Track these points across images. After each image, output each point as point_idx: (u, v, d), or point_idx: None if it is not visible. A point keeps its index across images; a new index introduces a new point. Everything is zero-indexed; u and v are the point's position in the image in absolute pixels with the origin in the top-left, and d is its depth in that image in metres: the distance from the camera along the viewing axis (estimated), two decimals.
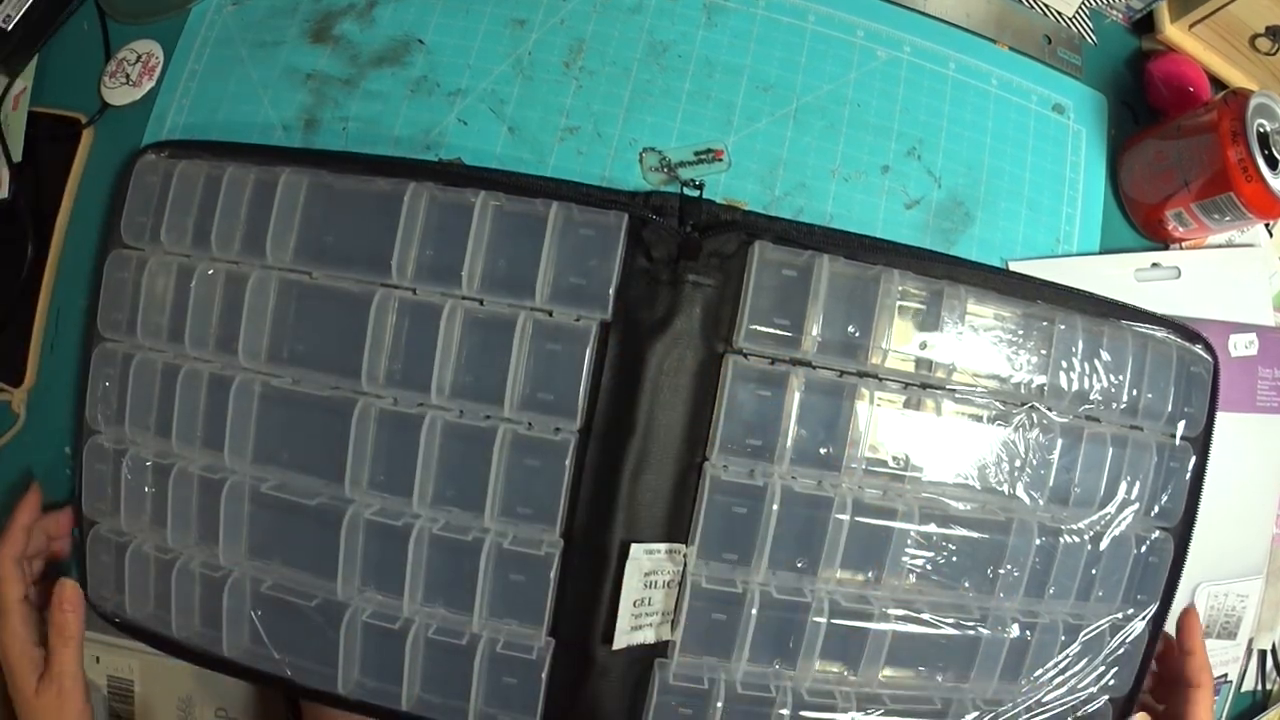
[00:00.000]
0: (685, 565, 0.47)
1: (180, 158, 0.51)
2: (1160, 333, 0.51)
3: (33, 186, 0.58)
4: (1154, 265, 0.56)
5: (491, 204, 0.47)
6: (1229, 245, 0.58)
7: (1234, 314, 0.57)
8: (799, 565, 0.47)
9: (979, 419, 0.48)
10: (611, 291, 0.46)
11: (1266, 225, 0.59)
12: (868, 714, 0.48)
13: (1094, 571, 0.50)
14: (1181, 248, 0.57)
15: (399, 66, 0.54)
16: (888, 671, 0.48)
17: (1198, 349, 0.52)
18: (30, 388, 0.56)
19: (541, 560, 0.46)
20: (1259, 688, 0.59)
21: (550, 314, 0.47)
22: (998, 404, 0.48)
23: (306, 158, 0.50)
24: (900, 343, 0.47)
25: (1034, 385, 0.48)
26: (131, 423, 0.51)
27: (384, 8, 0.55)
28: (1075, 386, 0.49)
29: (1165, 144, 0.53)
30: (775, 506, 0.46)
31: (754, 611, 0.46)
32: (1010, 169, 0.55)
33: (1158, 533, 0.51)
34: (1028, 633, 0.49)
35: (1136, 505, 0.50)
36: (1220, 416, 0.52)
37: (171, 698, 0.66)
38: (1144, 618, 0.51)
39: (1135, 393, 0.50)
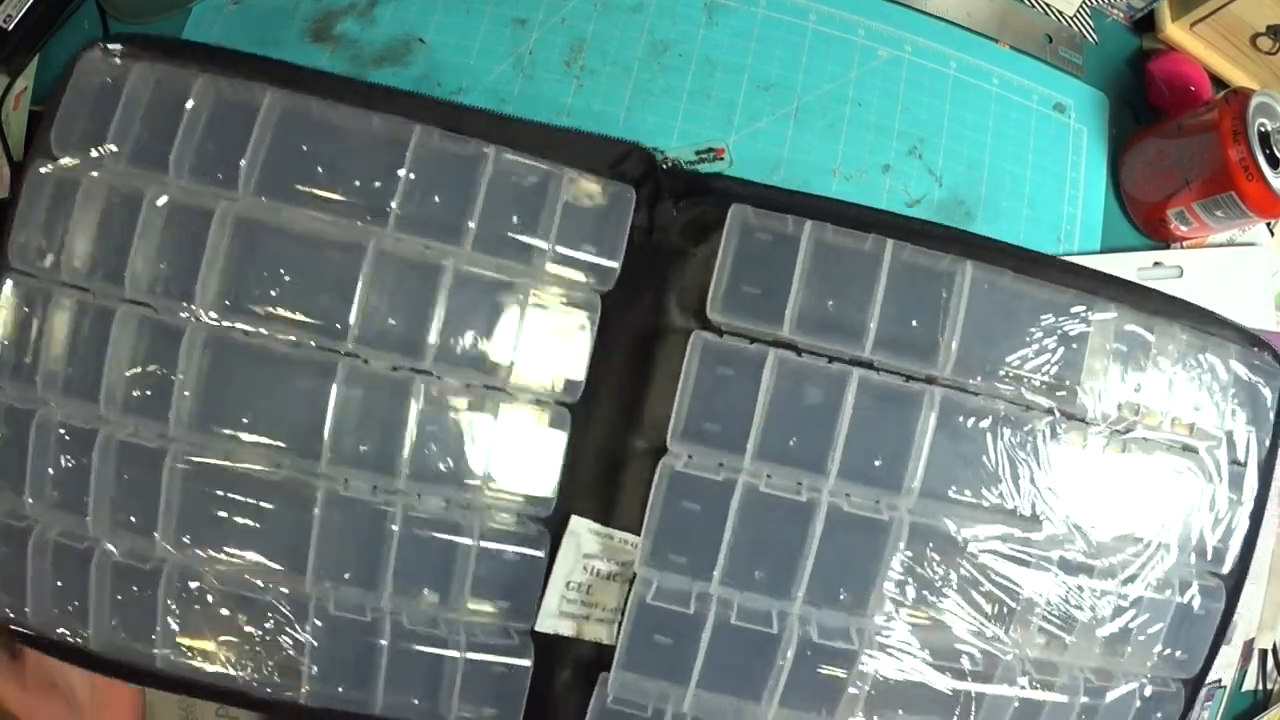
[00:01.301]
0: (635, 562, 0.43)
1: (136, 59, 0.43)
2: (1216, 335, 0.44)
3: None
4: (1156, 264, 0.55)
5: (496, 157, 0.43)
6: (1230, 244, 0.58)
7: (1236, 313, 0.57)
8: (759, 578, 0.42)
9: (990, 423, 0.42)
10: (617, 263, 0.43)
11: (1268, 224, 0.59)
12: None
13: (1126, 621, 0.43)
14: (1183, 247, 0.57)
15: (400, 65, 0.54)
16: None
17: (1263, 357, 0.44)
18: None
19: (529, 539, 0.44)
20: (1259, 687, 0.59)
21: (551, 281, 0.44)
22: (1014, 407, 0.42)
23: (291, 76, 0.44)
24: (898, 327, 0.42)
25: (1058, 388, 0.42)
26: (44, 379, 0.42)
27: (385, 7, 0.55)
28: (1109, 392, 0.42)
29: (1166, 143, 0.53)
30: (737, 507, 0.41)
31: (713, 634, 0.41)
32: (1011, 168, 0.55)
33: (1207, 579, 0.44)
34: (1040, 691, 0.42)
35: (1182, 543, 0.43)
36: None
37: (172, 697, 0.65)
38: (1181, 680, 0.44)
39: (1187, 402, 0.43)
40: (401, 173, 0.42)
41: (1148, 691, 0.44)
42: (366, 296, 0.42)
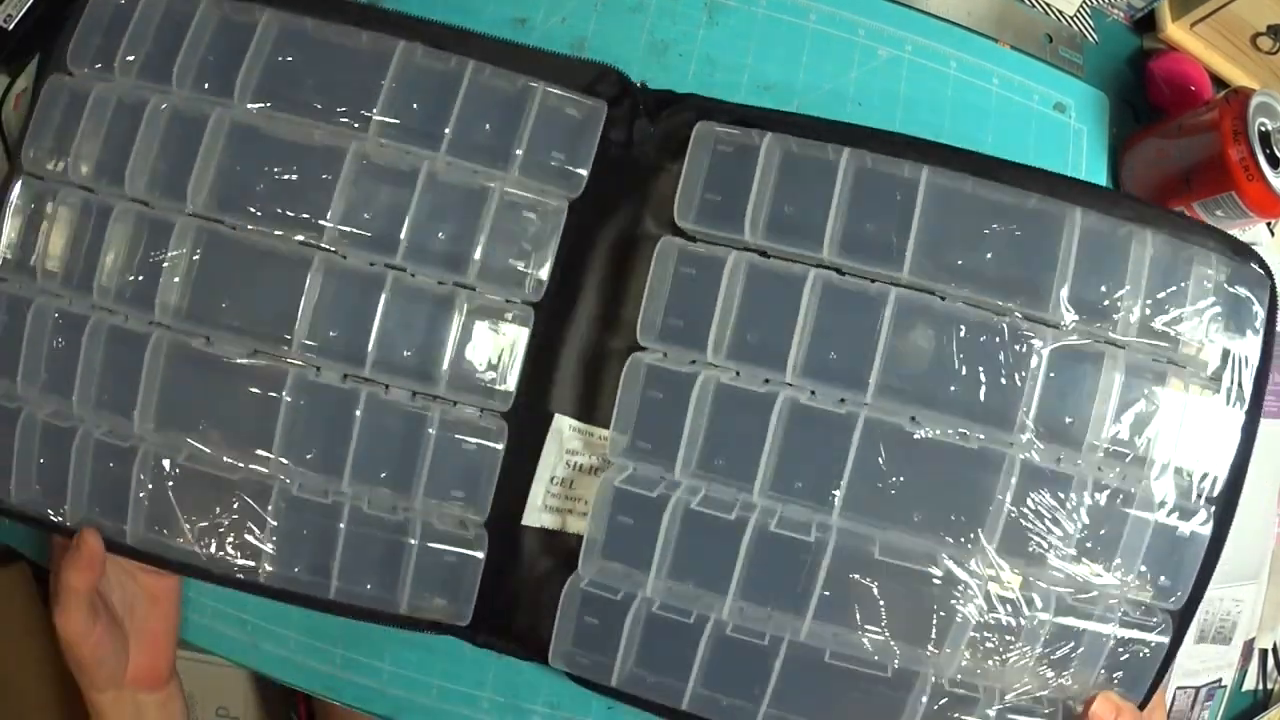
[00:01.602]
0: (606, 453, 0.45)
1: None
2: (1198, 243, 0.41)
3: None
4: None
5: (478, 75, 0.46)
6: None
7: None
8: (720, 465, 0.43)
9: (952, 323, 0.42)
10: (586, 171, 0.46)
11: (1268, 224, 0.59)
12: (801, 668, 0.42)
13: (1101, 535, 0.41)
14: None
15: None
16: (829, 624, 0.42)
17: (1251, 266, 0.42)
18: None
19: (489, 432, 0.46)
20: (1260, 687, 0.59)
21: (522, 185, 0.46)
22: (978, 309, 0.42)
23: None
24: (858, 231, 0.42)
25: (1023, 289, 0.41)
26: (44, 271, 0.46)
27: (385, 6, 0.55)
28: (1078, 296, 0.41)
29: (1166, 143, 0.53)
30: (700, 397, 0.43)
31: (672, 517, 0.43)
32: None
33: (1192, 502, 0.42)
34: (1009, 603, 0.41)
35: (1162, 460, 0.41)
36: None
37: None
38: (1167, 611, 0.42)
39: (1157, 312, 0.41)
40: (384, 83, 0.45)
41: (1131, 618, 0.42)
42: (345, 195, 0.44)
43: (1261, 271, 0.42)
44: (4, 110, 0.58)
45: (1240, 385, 0.42)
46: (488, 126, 0.45)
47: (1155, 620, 0.43)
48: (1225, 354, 0.42)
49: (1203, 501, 0.42)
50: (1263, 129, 0.48)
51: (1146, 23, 0.59)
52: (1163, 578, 0.42)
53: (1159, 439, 0.41)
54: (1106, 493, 0.41)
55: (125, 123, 0.45)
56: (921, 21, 0.56)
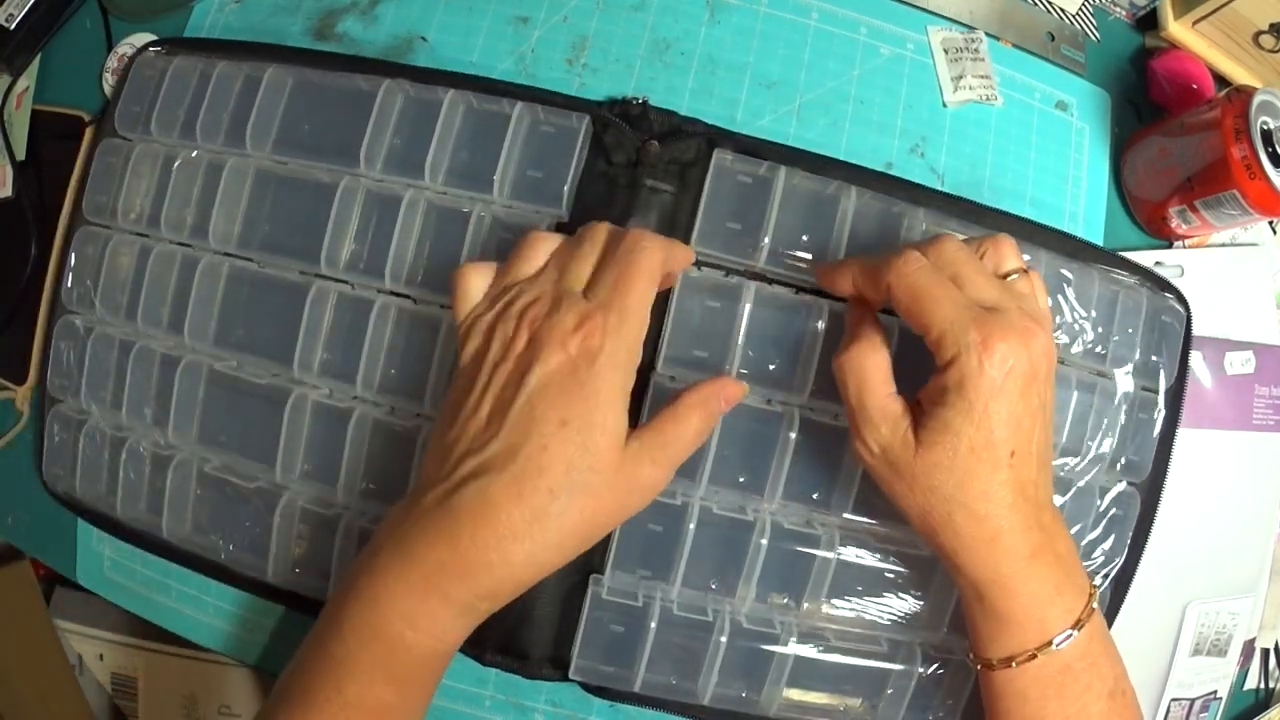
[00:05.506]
0: None
1: (175, 55, 0.54)
2: (1130, 279, 0.50)
3: (36, 185, 0.58)
4: (1157, 264, 0.55)
5: (460, 103, 0.49)
6: (1232, 244, 0.58)
7: (1236, 312, 0.57)
8: (741, 481, 0.46)
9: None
10: (567, 188, 0.47)
11: (1270, 223, 0.59)
12: (809, 647, 0.47)
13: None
14: (1185, 246, 0.57)
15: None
16: (832, 608, 0.47)
17: (1170, 299, 0.51)
18: (33, 385, 0.56)
19: None
20: (1261, 686, 0.59)
21: (509, 209, 0.48)
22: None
23: (293, 57, 0.52)
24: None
25: None
26: (102, 303, 0.53)
27: (387, 5, 0.55)
28: None
29: (1168, 141, 0.53)
30: (726, 422, 0.45)
31: (692, 526, 0.46)
32: (1014, 166, 0.55)
33: (1123, 485, 0.50)
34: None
35: (1101, 454, 0.49)
36: (1215, 435, 0.52)
37: (175, 695, 0.66)
38: (1107, 574, 0.50)
39: (1101, 334, 0.49)
40: (371, 119, 0.49)
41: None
42: (343, 229, 0.49)
43: (1179, 306, 0.51)
44: (6, 109, 0.58)
45: (1161, 394, 0.50)
46: (471, 151, 0.48)
47: (1098, 580, 0.50)
48: (1149, 369, 0.50)
49: (1132, 486, 0.50)
50: (1265, 127, 0.48)
51: (1148, 21, 0.59)
52: (1105, 544, 0.50)
53: (1096, 438, 0.49)
54: (1056, 482, 0.48)
55: (160, 175, 0.52)
56: (923, 20, 0.56)
